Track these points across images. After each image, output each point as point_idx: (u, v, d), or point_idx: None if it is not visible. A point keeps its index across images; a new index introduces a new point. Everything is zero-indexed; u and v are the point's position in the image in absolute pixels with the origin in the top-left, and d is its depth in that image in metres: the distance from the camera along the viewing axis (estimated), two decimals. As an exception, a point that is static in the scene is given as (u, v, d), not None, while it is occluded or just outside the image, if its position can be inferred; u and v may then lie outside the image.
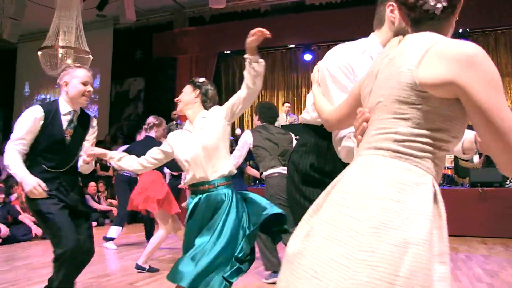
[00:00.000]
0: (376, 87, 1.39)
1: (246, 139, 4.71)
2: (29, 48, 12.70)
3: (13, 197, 8.18)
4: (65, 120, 2.91)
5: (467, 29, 10.68)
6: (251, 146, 4.64)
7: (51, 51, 8.51)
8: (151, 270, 4.87)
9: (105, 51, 12.88)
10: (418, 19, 1.36)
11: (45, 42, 8.52)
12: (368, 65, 1.66)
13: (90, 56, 8.72)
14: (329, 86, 1.92)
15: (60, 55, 8.53)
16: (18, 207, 7.67)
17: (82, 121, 3.06)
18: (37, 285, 4.35)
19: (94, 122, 3.21)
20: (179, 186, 8.87)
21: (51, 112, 2.84)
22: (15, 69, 14.80)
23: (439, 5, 1.30)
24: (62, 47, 8.41)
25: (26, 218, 7.57)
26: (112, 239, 6.56)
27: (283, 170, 4.39)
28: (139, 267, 4.87)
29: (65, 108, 2.93)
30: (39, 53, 8.58)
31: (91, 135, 3.16)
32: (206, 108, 3.08)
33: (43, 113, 2.87)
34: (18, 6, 10.44)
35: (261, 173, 4.64)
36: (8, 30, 10.68)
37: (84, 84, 2.98)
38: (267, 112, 4.88)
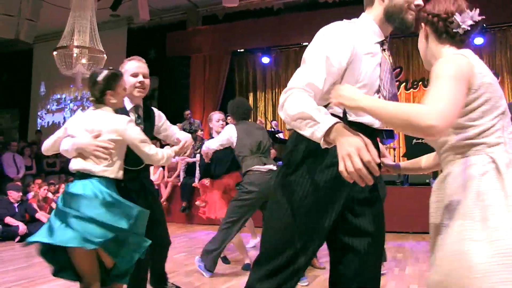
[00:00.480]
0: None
1: (231, 135, 4.55)
2: (45, 49, 12.85)
3: (30, 195, 8.30)
4: (132, 116, 2.83)
5: (484, 25, 10.52)
6: (234, 143, 4.53)
7: (66, 51, 8.61)
8: None
9: (119, 50, 12.96)
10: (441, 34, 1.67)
11: (60, 42, 8.63)
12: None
13: (104, 55, 8.80)
14: None
15: (75, 55, 8.62)
16: (35, 205, 7.77)
17: (147, 115, 3.01)
18: (54, 281, 4.41)
19: (158, 112, 3.15)
20: (193, 185, 8.94)
21: (120, 110, 2.73)
22: (31, 69, 14.98)
23: (463, 26, 1.60)
24: (77, 47, 8.50)
25: (43, 216, 7.67)
26: None
27: (264, 168, 4.38)
28: None
29: (129, 105, 2.87)
30: (55, 53, 8.68)
31: (164, 123, 3.12)
32: None
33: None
34: (34, 7, 10.57)
35: (244, 173, 4.50)
36: (24, 31, 10.82)
37: (134, 75, 2.85)
38: (239, 110, 4.82)
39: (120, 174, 2.52)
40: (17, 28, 10.92)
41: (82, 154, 2.45)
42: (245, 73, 13.42)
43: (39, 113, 14.95)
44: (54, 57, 8.70)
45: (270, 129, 10.39)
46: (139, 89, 2.85)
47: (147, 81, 2.90)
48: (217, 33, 12.06)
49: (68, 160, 2.57)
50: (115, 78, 2.56)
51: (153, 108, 3.12)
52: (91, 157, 2.43)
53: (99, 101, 2.55)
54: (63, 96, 14.58)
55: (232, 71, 13.20)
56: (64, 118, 14.31)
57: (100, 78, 2.51)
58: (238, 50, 12.72)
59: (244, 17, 11.74)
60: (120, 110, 2.69)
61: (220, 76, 12.39)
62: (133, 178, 2.74)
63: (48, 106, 14.81)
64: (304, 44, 12.07)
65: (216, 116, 5.24)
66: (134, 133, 2.50)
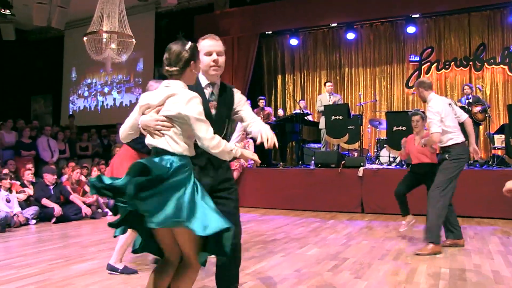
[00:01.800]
0: None
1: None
2: (75, 35, 13.04)
3: (64, 178, 8.51)
4: (206, 93, 2.83)
5: None
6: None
7: (95, 36, 8.71)
8: (126, 271, 4.07)
9: (147, 35, 13.05)
10: None
11: (89, 28, 8.72)
12: None
13: (133, 40, 8.87)
14: None
15: (104, 40, 8.71)
16: (69, 188, 7.97)
17: (223, 94, 2.91)
18: (89, 261, 4.54)
19: (238, 93, 3.02)
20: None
21: (194, 87, 2.66)
22: (62, 56, 15.24)
23: None
24: (106, 32, 8.59)
25: (76, 198, 7.88)
26: None
27: None
28: (111, 268, 4.09)
29: (204, 81, 2.84)
30: (85, 39, 8.79)
31: (242, 106, 2.97)
32: None
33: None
34: (64, -6, 10.75)
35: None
36: (56, 18, 10.99)
37: (208, 54, 2.79)
38: None
39: (192, 151, 2.44)
40: (49, 15, 11.10)
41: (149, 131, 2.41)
42: (273, 55, 13.35)
43: (71, 98, 15.22)
44: (84, 43, 8.82)
45: (299, 111, 10.36)
46: (214, 68, 2.80)
47: (221, 59, 2.84)
48: (245, 15, 12.00)
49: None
50: (196, 49, 2.56)
51: (233, 88, 3.01)
52: (155, 134, 2.37)
53: (180, 72, 2.45)
54: (94, 81, 14.80)
55: (260, 53, 13.15)
56: (97, 102, 14.56)
57: (186, 47, 2.46)
58: (266, 32, 12.64)
59: (271, -1, 11.65)
60: (195, 87, 2.64)
61: (248, 59, 12.35)
62: (199, 154, 2.60)
63: (80, 91, 15.06)
64: (333, 25, 11.93)
65: None
66: (192, 111, 2.35)
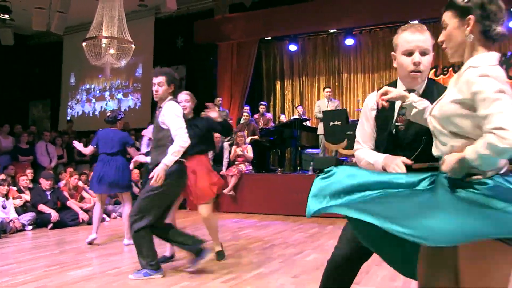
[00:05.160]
0: None
1: None
2: (74, 40, 13.02)
3: (62, 183, 8.47)
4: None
5: None
6: None
7: (95, 41, 8.71)
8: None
9: (146, 40, 13.06)
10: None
11: (89, 33, 8.72)
12: None
13: (133, 45, 8.86)
14: None
15: (103, 45, 8.72)
16: (66, 193, 7.93)
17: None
18: (86, 267, 4.51)
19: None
20: (221, 173, 8.96)
21: None
22: (61, 61, 15.24)
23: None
24: (106, 37, 8.58)
25: (74, 204, 7.83)
26: None
27: None
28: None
29: (401, 87, 2.23)
30: (84, 44, 8.79)
31: None
32: None
33: None
34: (64, -1, 10.75)
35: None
36: (55, 23, 10.98)
37: (407, 53, 2.12)
38: None
39: None
40: (48, 20, 11.10)
41: None
42: (272, 61, 13.35)
43: (69, 103, 15.21)
44: (83, 48, 8.81)
45: (296, 116, 10.34)
46: (414, 73, 2.11)
47: (426, 59, 2.10)
48: (245, 21, 12.01)
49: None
50: None
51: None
52: None
53: None
54: (92, 86, 14.79)
55: (260, 59, 13.15)
56: (96, 107, 14.54)
57: None
58: (265, 38, 12.66)
59: (271, 5, 11.65)
60: None
61: (247, 64, 12.36)
62: None
63: (78, 96, 15.06)
64: (332, 31, 11.94)
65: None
66: None
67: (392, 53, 2.21)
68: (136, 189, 9.27)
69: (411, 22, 10.83)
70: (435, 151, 1.82)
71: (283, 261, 4.70)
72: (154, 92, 4.25)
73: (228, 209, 8.84)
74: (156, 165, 3.91)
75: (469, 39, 1.74)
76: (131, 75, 13.88)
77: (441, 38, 1.84)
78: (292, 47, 12.34)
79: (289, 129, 10.01)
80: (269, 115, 11.30)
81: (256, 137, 10.03)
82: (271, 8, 11.58)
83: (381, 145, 2.23)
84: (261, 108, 10.99)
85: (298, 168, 9.86)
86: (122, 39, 8.72)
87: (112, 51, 8.86)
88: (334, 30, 11.93)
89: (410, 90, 2.13)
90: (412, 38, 2.08)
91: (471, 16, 1.70)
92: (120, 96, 14.17)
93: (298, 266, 4.44)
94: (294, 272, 4.23)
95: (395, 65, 2.22)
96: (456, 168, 1.66)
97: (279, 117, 12.02)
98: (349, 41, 11.57)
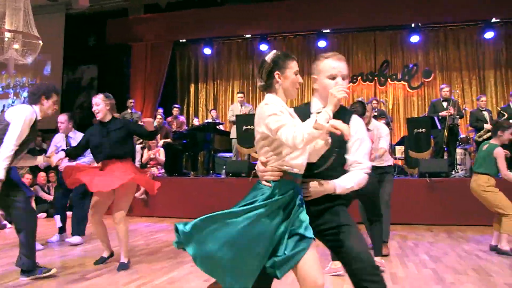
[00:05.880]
0: None
1: None
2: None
3: None
4: (312, 117, 2.34)
5: (419, 24, 10.98)
6: None
7: (-4, 34, 8.19)
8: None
9: (56, 37, 12.50)
10: None
11: (-11, 25, 8.19)
12: None
13: (40, 41, 8.44)
14: None
15: (6, 39, 8.20)
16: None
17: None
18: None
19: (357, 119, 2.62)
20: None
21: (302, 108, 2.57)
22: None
23: None
24: (9, 31, 8.09)
25: None
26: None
27: None
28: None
29: (316, 105, 2.53)
30: (-16, 37, 8.24)
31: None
32: None
33: None
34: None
35: None
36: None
37: (331, 77, 2.44)
38: None
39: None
40: None
41: None
42: (187, 63, 13.31)
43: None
44: (-16, 41, 8.26)
45: (210, 120, 10.38)
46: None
47: (345, 83, 2.46)
48: (160, 22, 11.88)
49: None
50: (283, 58, 2.32)
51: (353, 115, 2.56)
52: None
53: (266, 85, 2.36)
54: (-5, 82, 13.91)
55: (174, 61, 13.06)
56: (-4, 105, 13.67)
57: (267, 58, 2.31)
58: (180, 41, 12.60)
59: (187, 7, 11.63)
60: (303, 108, 2.52)
61: (161, 66, 12.23)
62: None
63: (-21, 93, 14.09)
64: (247, 36, 12.13)
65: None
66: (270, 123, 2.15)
67: (313, 76, 2.52)
68: (42, 193, 8.87)
69: (323, 31, 11.34)
70: None
71: (195, 265, 4.70)
72: None
73: (140, 213, 8.67)
74: None
75: None
76: (38, 73, 13.21)
77: None
78: (207, 51, 12.38)
79: (202, 132, 10.02)
80: (183, 118, 11.23)
81: (169, 140, 9.93)
82: (187, 10, 11.56)
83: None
84: (175, 111, 10.90)
85: (211, 171, 9.91)
86: (28, 34, 8.27)
87: (16, 46, 8.37)
88: (249, 35, 12.13)
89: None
90: (336, 65, 2.44)
91: None
92: (26, 94, 13.41)
93: (210, 269, 4.47)
94: (205, 276, 4.23)
95: (316, 86, 2.51)
96: None
97: (192, 120, 11.99)
98: (264, 47, 11.81)
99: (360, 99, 5.94)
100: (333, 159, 2.40)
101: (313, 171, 2.37)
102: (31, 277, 3.99)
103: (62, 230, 6.22)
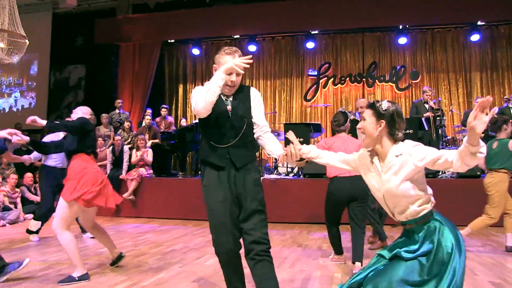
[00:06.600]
0: None
1: None
2: (-40, 31, 12.04)
3: None
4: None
5: (406, 26, 11.08)
6: None
7: (-19, 33, 8.09)
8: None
9: (43, 36, 12.40)
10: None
11: (-25, 23, 8.09)
12: None
13: (27, 40, 8.35)
14: None
15: (-9, 38, 8.12)
16: None
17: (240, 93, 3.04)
18: None
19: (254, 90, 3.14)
20: (120, 177, 8.76)
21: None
22: None
23: None
24: (-6, 29, 8.00)
25: None
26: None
27: None
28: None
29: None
30: (-31, 35, 8.14)
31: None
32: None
33: None
34: None
35: None
36: None
37: (229, 73, 2.80)
38: None
39: None
40: None
41: None
42: (175, 64, 13.28)
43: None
44: (-32, 39, 8.16)
45: (198, 121, 10.36)
46: (229, 87, 2.87)
47: (239, 79, 2.88)
48: (148, 22, 11.83)
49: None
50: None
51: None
52: None
53: None
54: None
55: (162, 61, 13.03)
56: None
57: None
58: (169, 41, 12.56)
59: (176, 7, 11.60)
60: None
61: (150, 66, 12.18)
62: None
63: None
64: (235, 36, 12.14)
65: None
66: None
67: (214, 65, 2.89)
68: (29, 194, 8.79)
69: (312, 32, 11.38)
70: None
71: (183, 265, 4.70)
72: None
73: (128, 214, 8.64)
74: None
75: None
76: (25, 72, 13.09)
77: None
78: (196, 51, 12.37)
79: (191, 133, 10.00)
80: (171, 119, 11.20)
81: (157, 140, 9.90)
82: (175, 10, 11.53)
83: (214, 124, 2.87)
84: (163, 112, 10.87)
85: (199, 172, 9.88)
86: (14, 32, 8.18)
87: (1, 44, 8.28)
88: (238, 36, 12.14)
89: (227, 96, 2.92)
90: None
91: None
92: (17, 94, 13.27)
93: (198, 271, 4.47)
94: (194, 276, 4.25)
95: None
96: None
97: (180, 121, 11.97)
98: (252, 47, 11.84)
99: (341, 109, 5.99)
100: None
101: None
102: (6, 277, 3.95)
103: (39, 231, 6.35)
